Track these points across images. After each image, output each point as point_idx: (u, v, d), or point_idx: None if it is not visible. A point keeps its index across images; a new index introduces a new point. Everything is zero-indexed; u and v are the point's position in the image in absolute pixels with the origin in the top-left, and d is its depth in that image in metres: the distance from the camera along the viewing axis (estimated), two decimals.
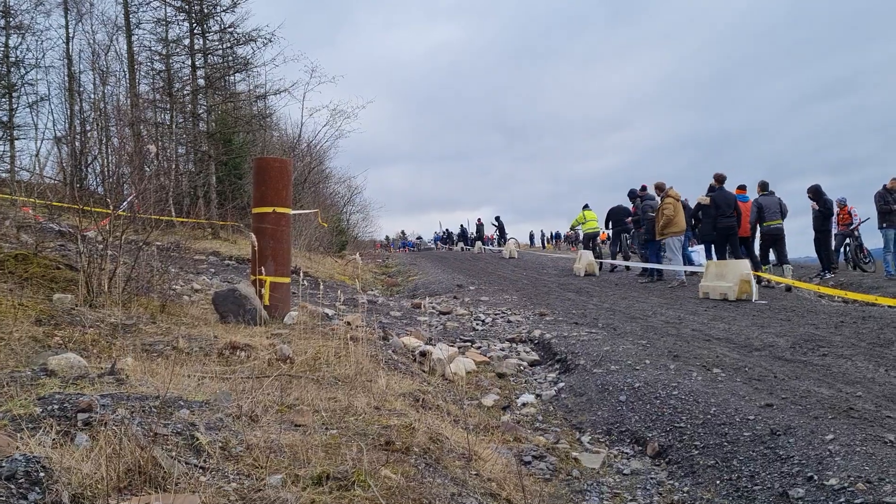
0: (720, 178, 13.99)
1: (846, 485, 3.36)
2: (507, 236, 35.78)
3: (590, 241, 21.14)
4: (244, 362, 4.61)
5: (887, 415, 4.44)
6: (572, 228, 26.13)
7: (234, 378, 4.06)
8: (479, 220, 41.78)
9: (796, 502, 3.37)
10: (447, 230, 54.44)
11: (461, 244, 45.03)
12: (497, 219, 37.66)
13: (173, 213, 18.82)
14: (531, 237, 60.12)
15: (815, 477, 3.53)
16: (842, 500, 3.25)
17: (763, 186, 14.29)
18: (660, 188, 14.67)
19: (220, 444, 2.75)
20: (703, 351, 6.86)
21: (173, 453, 2.52)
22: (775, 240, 14.16)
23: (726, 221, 13.71)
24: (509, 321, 9.90)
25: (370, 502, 2.43)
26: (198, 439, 2.71)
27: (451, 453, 3.42)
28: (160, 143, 21.42)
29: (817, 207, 15.01)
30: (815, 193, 15.14)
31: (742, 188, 15.00)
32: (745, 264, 11.86)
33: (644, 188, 16.86)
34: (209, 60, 22.34)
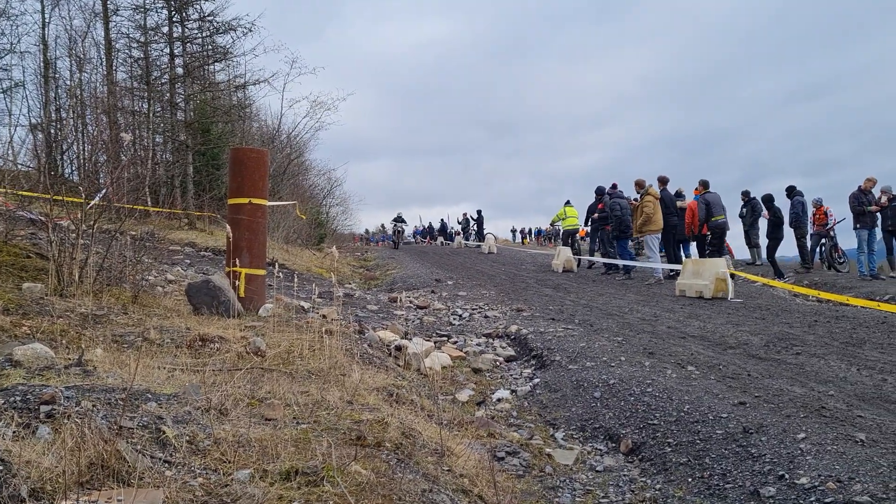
0: (663, 180, 15.07)
1: (817, 484, 3.38)
2: (485, 231, 35.87)
3: (569, 237, 21.21)
4: (216, 355, 4.55)
5: (858, 414, 4.48)
6: (552, 224, 26.19)
7: (205, 371, 3.99)
8: (464, 214, 41.80)
9: (767, 501, 3.38)
10: (435, 222, 54.24)
11: (441, 238, 45.01)
12: (479, 212, 37.81)
13: (149, 203, 18.60)
14: (514, 233, 60.19)
15: (787, 476, 3.54)
16: (812, 499, 3.27)
17: (705, 185, 15.11)
18: (640, 185, 14.76)
19: (188, 437, 2.70)
20: (677, 348, 6.89)
21: (138, 447, 2.47)
22: (721, 234, 15.05)
23: (672, 220, 14.96)
24: (486, 316, 9.89)
25: (339, 498, 2.39)
26: (164, 433, 2.66)
27: (424, 449, 3.40)
28: (137, 132, 21.14)
29: (768, 217, 15.36)
30: (767, 203, 15.53)
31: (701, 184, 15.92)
32: (721, 263, 11.95)
33: (615, 186, 17.02)
34: (188, 49, 22.05)
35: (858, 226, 14.23)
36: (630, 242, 16.72)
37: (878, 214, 14.18)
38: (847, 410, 4.57)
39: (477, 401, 5.76)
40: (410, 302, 11.32)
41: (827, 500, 3.21)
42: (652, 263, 14.66)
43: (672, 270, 14.25)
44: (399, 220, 35.85)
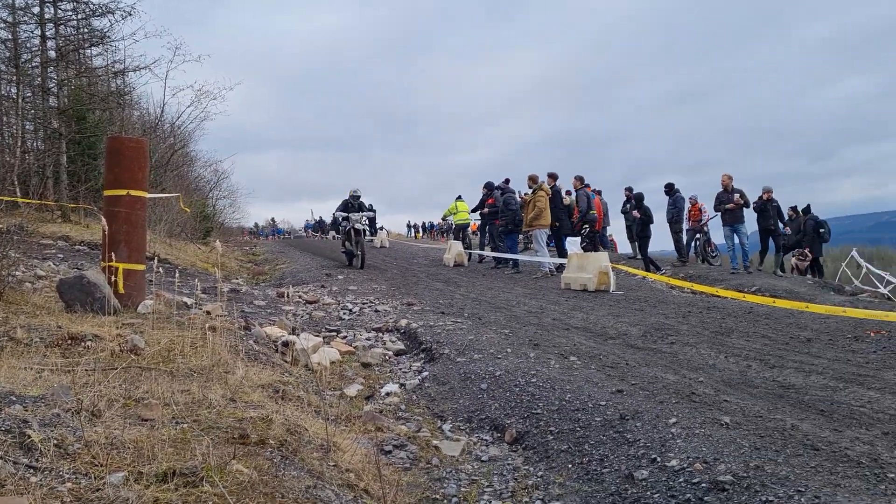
0: (554, 176, 15.64)
1: (685, 465, 3.58)
2: (378, 226, 35.84)
3: (460, 231, 21.46)
4: (89, 354, 4.34)
5: (724, 399, 4.77)
6: (444, 219, 26.47)
7: (76, 371, 3.80)
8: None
9: (640, 483, 3.56)
10: (320, 217, 53.55)
11: (332, 233, 44.60)
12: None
13: (18, 193, 17.44)
14: (409, 227, 60.32)
15: (658, 459, 3.74)
16: (681, 479, 3.46)
17: (581, 180, 16.27)
18: (533, 180, 15.07)
19: (56, 441, 2.57)
20: (561, 339, 7.12)
21: (0, 453, 2.34)
22: (593, 227, 16.25)
23: (562, 215, 15.49)
24: (377, 311, 9.88)
25: (218, 498, 2.34)
26: (30, 437, 2.52)
27: (310, 445, 3.37)
28: (4, 118, 19.76)
29: (638, 215, 16.15)
30: (638, 201, 16.34)
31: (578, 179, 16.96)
32: (604, 256, 12.42)
33: (507, 181, 17.37)
34: (61, 31, 20.79)
35: (722, 222, 15.18)
36: (519, 237, 17.10)
37: (752, 211, 15.10)
38: (714, 396, 4.87)
39: (365, 395, 5.74)
40: (299, 297, 11.15)
41: (694, 481, 3.41)
42: (540, 258, 15.06)
43: (561, 264, 14.69)
44: (354, 204, 17.74)
